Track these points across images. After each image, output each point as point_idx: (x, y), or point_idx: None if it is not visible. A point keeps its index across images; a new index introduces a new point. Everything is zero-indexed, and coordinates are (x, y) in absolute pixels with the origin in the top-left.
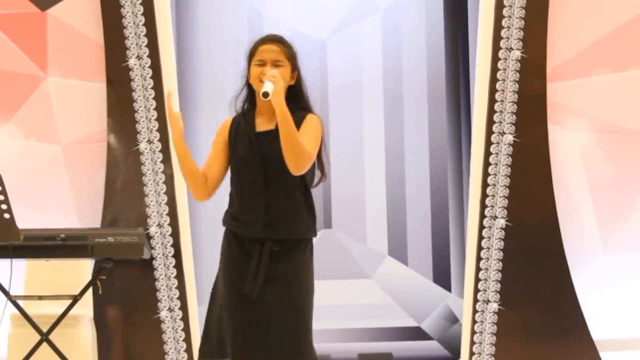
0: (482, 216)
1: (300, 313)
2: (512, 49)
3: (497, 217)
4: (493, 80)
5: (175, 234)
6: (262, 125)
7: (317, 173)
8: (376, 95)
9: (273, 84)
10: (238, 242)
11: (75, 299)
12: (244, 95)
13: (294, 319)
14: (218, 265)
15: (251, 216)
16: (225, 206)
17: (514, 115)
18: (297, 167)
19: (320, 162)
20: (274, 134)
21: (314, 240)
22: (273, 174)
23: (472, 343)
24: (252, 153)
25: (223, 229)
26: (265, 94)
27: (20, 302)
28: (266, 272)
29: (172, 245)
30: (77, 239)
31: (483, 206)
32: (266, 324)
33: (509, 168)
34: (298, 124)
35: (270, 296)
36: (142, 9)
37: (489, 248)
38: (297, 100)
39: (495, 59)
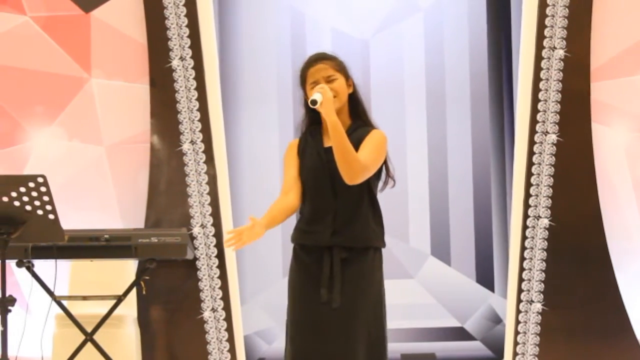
0: (526, 216)
1: (377, 324)
2: (555, 48)
3: (540, 217)
4: (536, 79)
5: (218, 235)
6: (329, 141)
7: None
8: (419, 95)
9: (321, 95)
10: (307, 254)
11: (119, 299)
12: (308, 119)
13: (368, 330)
14: (288, 288)
15: (320, 226)
16: (267, 206)
17: (558, 115)
18: (349, 175)
19: (388, 172)
20: None
21: None
22: (341, 186)
23: (516, 343)
24: (321, 166)
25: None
26: (314, 102)
27: (65, 303)
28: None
29: (215, 246)
30: (121, 240)
31: (526, 206)
32: (335, 331)
33: (552, 168)
34: (362, 138)
35: (347, 307)
36: (185, 10)
37: (532, 248)
38: (358, 110)
39: (538, 57)
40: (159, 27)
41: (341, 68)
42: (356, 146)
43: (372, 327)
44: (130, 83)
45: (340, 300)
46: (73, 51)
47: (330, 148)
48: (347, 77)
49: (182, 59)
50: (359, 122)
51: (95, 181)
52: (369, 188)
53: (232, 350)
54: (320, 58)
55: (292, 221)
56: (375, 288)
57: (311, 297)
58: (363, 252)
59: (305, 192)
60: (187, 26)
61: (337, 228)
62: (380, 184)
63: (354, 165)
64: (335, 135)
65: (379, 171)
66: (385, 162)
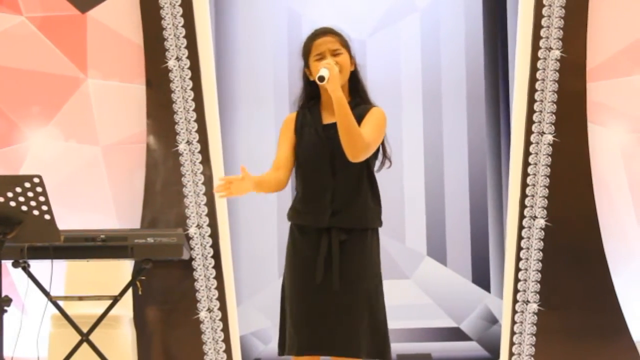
0: (522, 216)
1: (375, 303)
2: (551, 48)
3: (536, 217)
4: (532, 79)
5: (215, 235)
6: (328, 118)
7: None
8: (415, 95)
9: (329, 70)
10: (304, 234)
11: (115, 300)
12: (306, 94)
13: (368, 310)
14: (285, 265)
15: (318, 205)
16: (263, 206)
17: (554, 115)
18: (353, 153)
19: (384, 148)
20: None
21: None
22: (340, 164)
23: (512, 344)
24: (320, 143)
25: (264, 229)
26: (321, 78)
27: (61, 303)
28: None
29: (211, 246)
30: (117, 240)
31: (522, 206)
32: (335, 313)
33: (548, 168)
34: (363, 115)
35: (345, 288)
36: (181, 10)
37: (528, 248)
38: (358, 89)
39: (534, 58)
40: (155, 28)
41: (346, 44)
42: (357, 122)
43: (373, 309)
44: (126, 83)
45: (340, 283)
46: (69, 51)
47: (329, 125)
48: (351, 55)
49: (178, 59)
50: (358, 99)
51: (92, 181)
52: (367, 166)
53: (228, 351)
54: (327, 31)
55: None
56: (374, 270)
57: (308, 279)
58: (362, 233)
59: (302, 170)
60: (183, 26)
61: (337, 208)
62: (378, 164)
63: (358, 141)
64: (341, 111)
65: (377, 150)
66: (382, 142)
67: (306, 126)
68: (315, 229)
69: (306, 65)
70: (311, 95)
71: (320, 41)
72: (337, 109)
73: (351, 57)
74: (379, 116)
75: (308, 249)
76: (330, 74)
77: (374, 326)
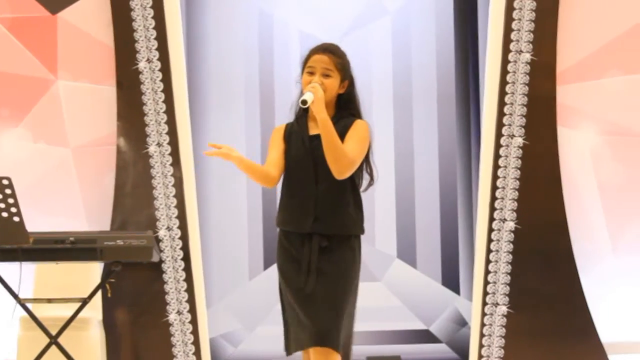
0: (492, 219)
1: (338, 300)
2: (521, 51)
3: (506, 220)
4: (503, 82)
5: (185, 237)
6: (314, 129)
7: (367, 177)
8: (386, 98)
9: (313, 94)
10: (289, 240)
11: (85, 302)
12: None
13: (330, 304)
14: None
15: (301, 212)
16: (234, 209)
17: (524, 118)
18: (338, 171)
19: (369, 166)
20: None
21: None
22: (323, 173)
23: (481, 346)
24: (305, 153)
25: (235, 232)
26: (304, 102)
27: (30, 305)
28: (317, 266)
29: (181, 248)
30: (87, 242)
31: (492, 209)
32: (311, 315)
33: (518, 171)
34: (347, 128)
35: (318, 289)
36: (152, 12)
37: (498, 251)
38: (347, 107)
39: (505, 61)
40: (126, 29)
41: (342, 68)
42: (342, 134)
43: (341, 311)
44: (96, 85)
45: (318, 287)
46: (39, 53)
47: (314, 136)
48: (345, 78)
49: (149, 61)
50: (344, 112)
51: (61, 183)
52: (350, 176)
53: (197, 353)
54: (327, 50)
55: (259, 221)
56: (351, 276)
57: (293, 281)
58: (343, 239)
59: (288, 178)
60: (154, 28)
61: (319, 215)
62: (365, 184)
63: (342, 160)
64: (325, 132)
65: (361, 164)
66: (368, 160)
67: (294, 135)
68: (299, 235)
69: (301, 73)
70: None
71: (317, 57)
72: (321, 129)
73: (343, 80)
74: (362, 130)
75: (293, 254)
76: (314, 97)
77: (330, 318)
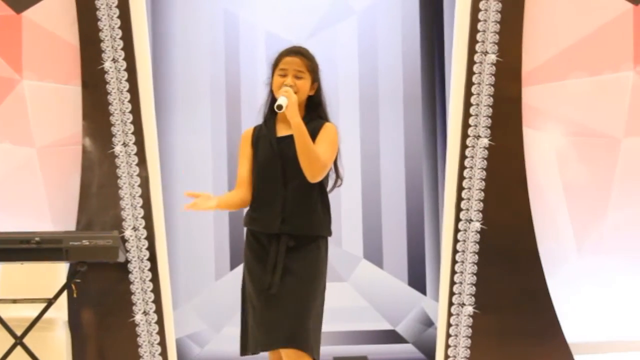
0: (457, 219)
1: (305, 300)
2: (487, 52)
3: (472, 220)
4: (468, 83)
5: (151, 237)
6: (282, 130)
7: (333, 177)
8: (352, 98)
9: (287, 99)
10: (257, 240)
11: (50, 303)
12: (269, 103)
13: (297, 304)
14: (243, 266)
15: (269, 213)
16: (197, 212)
17: (489, 119)
18: (312, 174)
19: (336, 167)
20: (293, 139)
21: None
22: (291, 175)
23: (447, 346)
24: (273, 155)
25: (201, 232)
26: (279, 107)
27: None
28: (283, 266)
29: (147, 249)
30: (52, 242)
31: (458, 209)
32: (276, 314)
33: (484, 171)
34: (316, 131)
35: (283, 289)
36: (117, 11)
37: (464, 251)
38: (317, 109)
39: (470, 62)
40: (91, 29)
41: (312, 70)
42: (312, 137)
43: (315, 315)
44: (62, 85)
45: (285, 287)
46: (4, 52)
47: (282, 137)
48: (314, 80)
49: (114, 60)
50: (313, 114)
51: (26, 183)
52: None
53: (163, 354)
54: (299, 53)
55: (225, 222)
56: (317, 276)
57: (260, 281)
58: (310, 240)
59: (256, 179)
60: (119, 28)
61: (286, 216)
62: (331, 183)
63: (316, 164)
64: (299, 137)
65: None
66: (335, 162)
67: (262, 138)
68: (267, 235)
69: (271, 75)
70: (273, 104)
71: (289, 59)
72: (295, 134)
73: (313, 82)
74: (332, 133)
75: (260, 254)
76: (288, 101)
77: (296, 318)
